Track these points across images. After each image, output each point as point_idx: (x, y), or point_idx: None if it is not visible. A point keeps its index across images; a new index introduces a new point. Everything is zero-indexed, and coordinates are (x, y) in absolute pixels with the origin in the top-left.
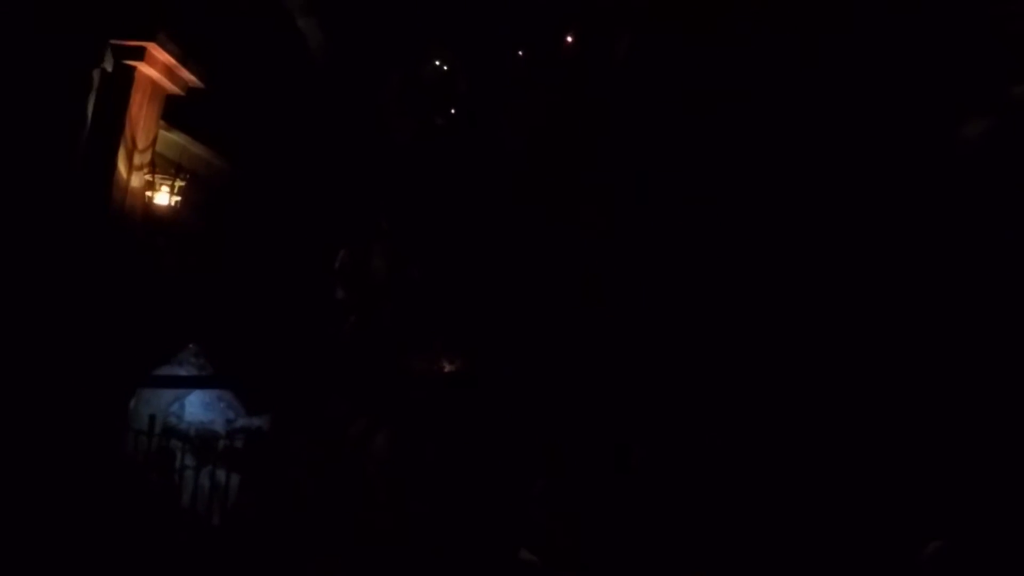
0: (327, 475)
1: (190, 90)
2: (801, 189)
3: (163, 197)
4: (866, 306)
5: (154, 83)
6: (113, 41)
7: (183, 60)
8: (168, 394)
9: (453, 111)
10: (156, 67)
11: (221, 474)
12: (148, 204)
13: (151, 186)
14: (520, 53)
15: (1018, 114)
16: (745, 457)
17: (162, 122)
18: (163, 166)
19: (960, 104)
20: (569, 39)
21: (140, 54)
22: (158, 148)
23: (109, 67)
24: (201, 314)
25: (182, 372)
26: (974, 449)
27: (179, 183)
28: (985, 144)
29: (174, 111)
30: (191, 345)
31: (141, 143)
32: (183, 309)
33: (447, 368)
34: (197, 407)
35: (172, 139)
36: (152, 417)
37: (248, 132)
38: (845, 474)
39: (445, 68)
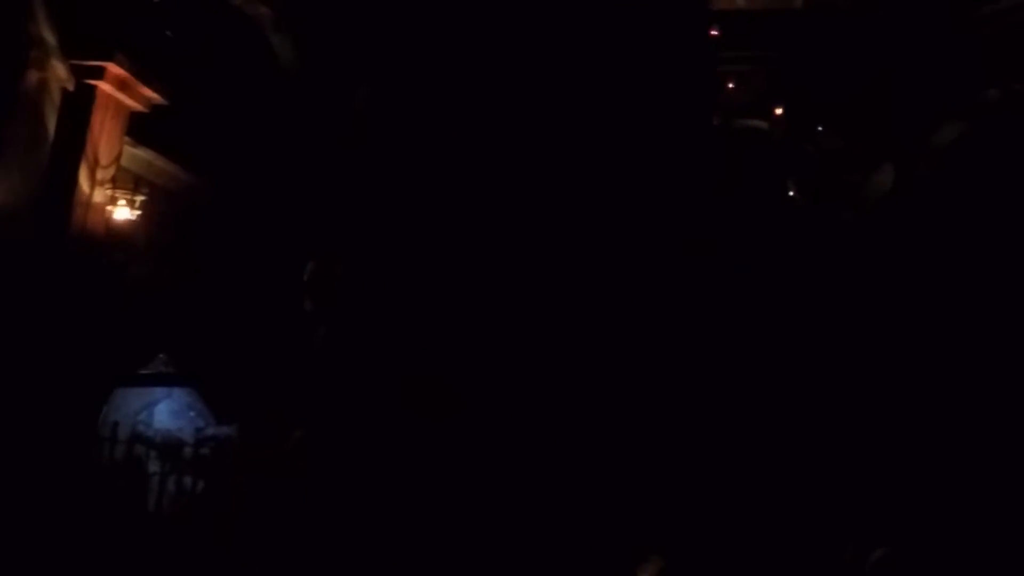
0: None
1: (156, 106)
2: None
3: (123, 212)
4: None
5: (116, 101)
6: (73, 61)
7: (144, 78)
8: (137, 402)
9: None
10: (117, 85)
11: (188, 481)
12: (110, 218)
13: (114, 201)
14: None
15: (990, 118)
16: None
17: (127, 138)
18: (129, 181)
19: (934, 109)
20: None
21: (100, 73)
22: (124, 163)
23: (71, 86)
24: (171, 324)
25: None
26: (918, 457)
27: (138, 198)
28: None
29: (140, 127)
30: (161, 355)
31: (104, 159)
32: (152, 319)
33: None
34: (166, 415)
35: (138, 155)
36: (116, 424)
37: (216, 146)
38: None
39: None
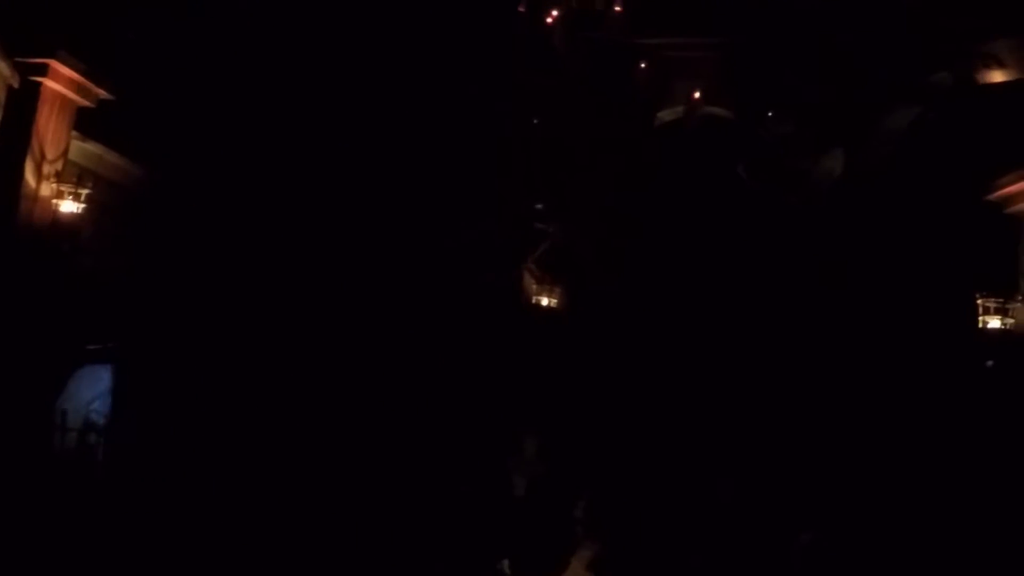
0: None
1: (105, 101)
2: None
3: (68, 205)
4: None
5: (62, 96)
6: (17, 59)
7: (89, 75)
8: (89, 392)
9: None
10: (61, 82)
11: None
12: (56, 211)
13: (60, 194)
14: None
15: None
16: None
17: (76, 133)
18: (77, 175)
19: (884, 93)
20: None
21: (43, 70)
22: (73, 157)
23: (15, 83)
24: (121, 313)
25: (104, 372)
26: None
27: (83, 191)
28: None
29: (88, 121)
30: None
31: (50, 154)
32: (103, 309)
33: None
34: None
35: (87, 149)
36: (64, 412)
37: (165, 138)
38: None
39: None
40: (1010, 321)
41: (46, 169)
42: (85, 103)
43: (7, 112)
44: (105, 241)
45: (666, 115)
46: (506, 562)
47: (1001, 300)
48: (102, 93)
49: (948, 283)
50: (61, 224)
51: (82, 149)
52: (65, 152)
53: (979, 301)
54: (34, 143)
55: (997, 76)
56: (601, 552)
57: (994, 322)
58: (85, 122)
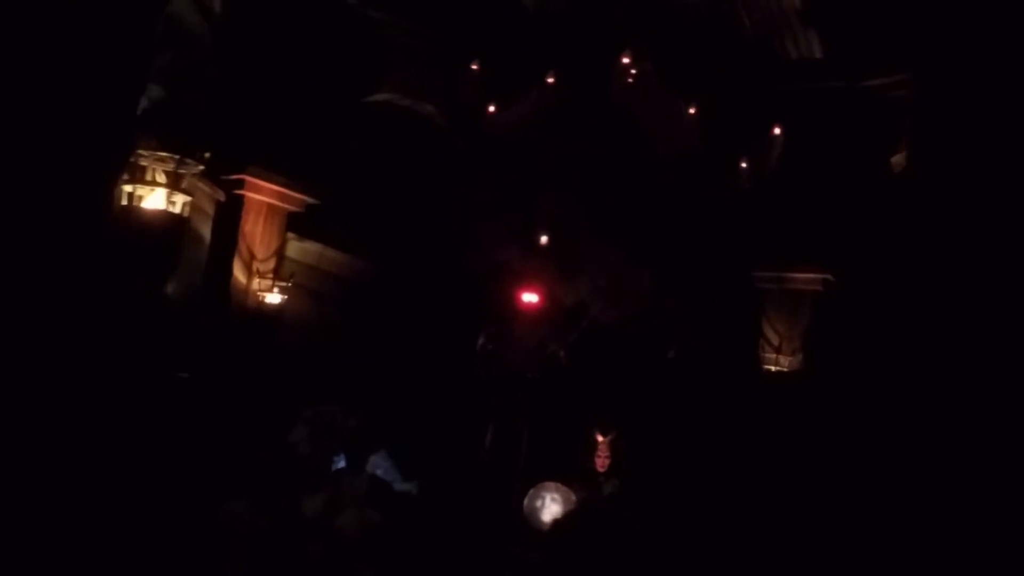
0: None
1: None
2: None
3: (274, 296)
4: None
5: (267, 205)
6: (221, 176)
7: (289, 184)
8: None
9: None
10: (262, 192)
11: None
12: (261, 302)
13: (271, 288)
14: None
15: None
16: None
17: (292, 234)
18: (300, 272)
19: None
20: None
21: (240, 184)
22: (294, 255)
23: (221, 197)
24: (362, 392)
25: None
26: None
27: (287, 284)
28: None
29: (306, 223)
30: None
31: (260, 254)
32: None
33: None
34: None
35: (306, 248)
36: None
37: (380, 232)
38: None
39: None
40: None
41: (257, 267)
42: (292, 208)
43: (217, 221)
44: (328, 326)
45: None
46: None
47: None
48: (306, 199)
49: None
50: (265, 312)
51: (300, 248)
52: (278, 251)
53: None
54: (241, 245)
55: None
56: None
57: None
58: (306, 223)
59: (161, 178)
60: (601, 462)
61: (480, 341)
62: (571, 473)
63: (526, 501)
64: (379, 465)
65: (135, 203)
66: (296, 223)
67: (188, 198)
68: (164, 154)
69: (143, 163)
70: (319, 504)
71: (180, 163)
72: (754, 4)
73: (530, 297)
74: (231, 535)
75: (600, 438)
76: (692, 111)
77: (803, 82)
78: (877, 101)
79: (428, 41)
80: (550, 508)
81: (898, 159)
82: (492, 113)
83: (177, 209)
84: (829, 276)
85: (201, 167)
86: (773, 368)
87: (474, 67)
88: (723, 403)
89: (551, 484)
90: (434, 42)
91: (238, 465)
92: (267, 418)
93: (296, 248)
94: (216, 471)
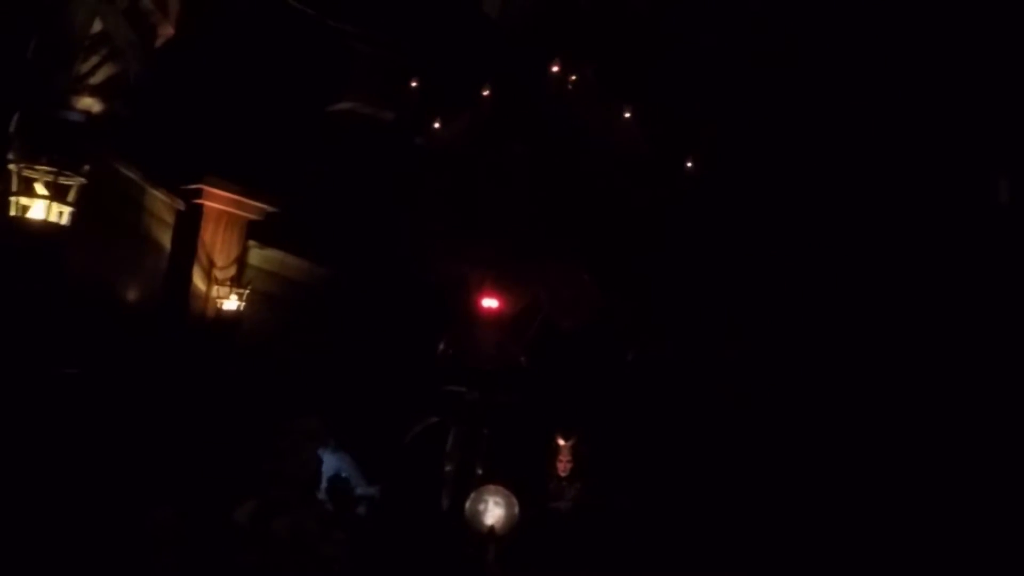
0: None
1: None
2: None
3: (231, 303)
4: None
5: (227, 214)
6: (181, 186)
7: (246, 193)
8: None
9: None
10: (219, 201)
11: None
12: (219, 308)
13: (228, 295)
14: None
15: None
16: None
17: (253, 242)
18: (261, 278)
19: None
20: None
21: (199, 194)
22: (256, 263)
23: (181, 207)
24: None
25: None
26: None
27: (245, 291)
28: None
29: (267, 230)
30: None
31: (220, 261)
32: (303, 393)
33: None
34: None
35: (268, 255)
36: None
37: (341, 239)
38: None
39: None
40: None
41: (217, 275)
42: (250, 216)
43: (176, 230)
44: (290, 331)
45: None
46: None
47: None
48: (264, 207)
49: None
50: (224, 318)
51: (262, 255)
52: (238, 259)
53: None
54: (200, 253)
55: None
56: None
57: None
58: (268, 231)
59: (43, 190)
60: (563, 466)
61: (440, 346)
62: (533, 477)
63: (468, 504)
64: (343, 469)
65: (20, 213)
66: (259, 231)
67: (70, 209)
68: (42, 167)
69: (25, 175)
70: (251, 510)
71: (58, 175)
72: None
73: (490, 303)
74: (157, 542)
75: (562, 442)
76: (628, 115)
77: None
78: None
79: (388, 51)
80: (493, 512)
81: None
82: (436, 128)
83: (64, 220)
84: None
85: (83, 180)
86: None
87: (413, 84)
88: (683, 405)
89: (493, 487)
90: (394, 52)
91: (176, 470)
92: (225, 424)
93: (258, 256)
94: (148, 476)
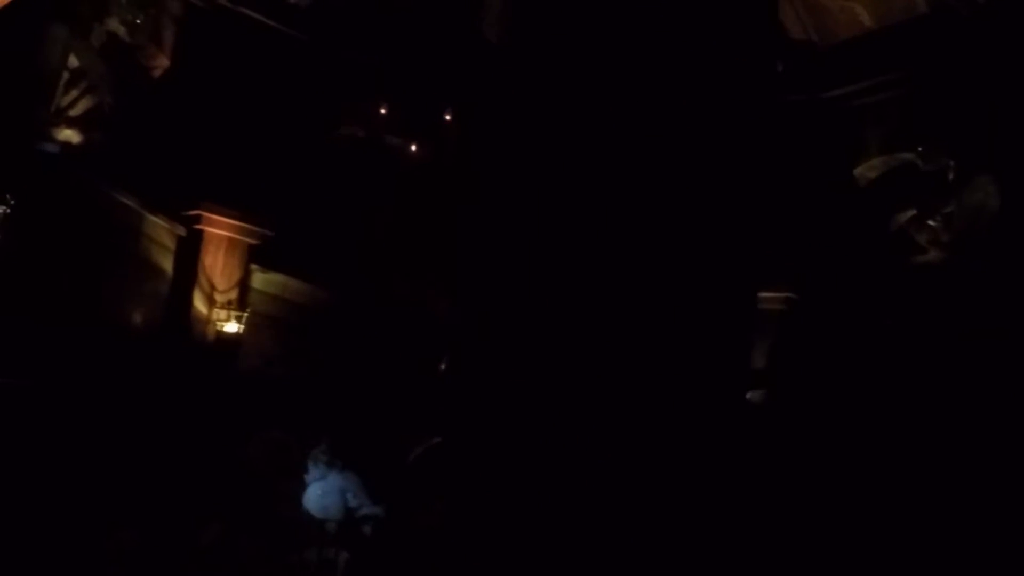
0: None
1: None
2: None
3: (231, 326)
4: None
5: (227, 238)
6: (181, 212)
7: (244, 218)
8: None
9: None
10: (219, 227)
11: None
12: (220, 330)
13: (228, 318)
14: None
15: None
16: None
17: (256, 266)
18: (264, 301)
19: None
20: None
21: (198, 219)
22: (259, 286)
23: (182, 232)
24: (329, 416)
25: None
26: None
27: (244, 314)
28: None
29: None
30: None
31: (221, 285)
32: (306, 413)
33: None
34: (314, 497)
35: (270, 278)
36: None
37: (341, 261)
38: None
39: None
40: None
41: (219, 298)
42: (250, 241)
43: (177, 255)
44: (294, 353)
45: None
46: None
47: None
48: (263, 231)
49: None
50: (224, 340)
51: (264, 279)
52: (240, 283)
53: None
54: (201, 277)
55: None
56: None
57: None
58: (271, 255)
59: None
60: None
61: (442, 366)
62: None
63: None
64: (348, 489)
65: None
66: (262, 255)
67: None
68: None
69: None
70: (215, 533)
71: None
72: None
73: None
74: (118, 564)
75: None
76: None
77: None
78: (839, 112)
79: (384, 75)
80: None
81: (861, 170)
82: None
83: None
84: (792, 295)
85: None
86: None
87: (382, 111)
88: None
89: None
90: (391, 76)
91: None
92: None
93: (261, 279)
94: (114, 498)
